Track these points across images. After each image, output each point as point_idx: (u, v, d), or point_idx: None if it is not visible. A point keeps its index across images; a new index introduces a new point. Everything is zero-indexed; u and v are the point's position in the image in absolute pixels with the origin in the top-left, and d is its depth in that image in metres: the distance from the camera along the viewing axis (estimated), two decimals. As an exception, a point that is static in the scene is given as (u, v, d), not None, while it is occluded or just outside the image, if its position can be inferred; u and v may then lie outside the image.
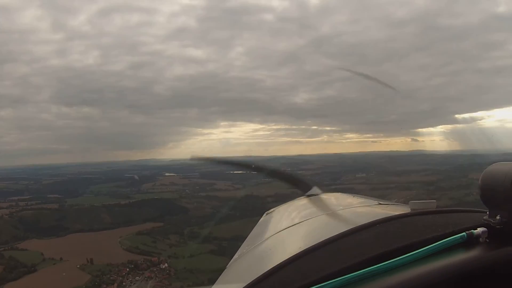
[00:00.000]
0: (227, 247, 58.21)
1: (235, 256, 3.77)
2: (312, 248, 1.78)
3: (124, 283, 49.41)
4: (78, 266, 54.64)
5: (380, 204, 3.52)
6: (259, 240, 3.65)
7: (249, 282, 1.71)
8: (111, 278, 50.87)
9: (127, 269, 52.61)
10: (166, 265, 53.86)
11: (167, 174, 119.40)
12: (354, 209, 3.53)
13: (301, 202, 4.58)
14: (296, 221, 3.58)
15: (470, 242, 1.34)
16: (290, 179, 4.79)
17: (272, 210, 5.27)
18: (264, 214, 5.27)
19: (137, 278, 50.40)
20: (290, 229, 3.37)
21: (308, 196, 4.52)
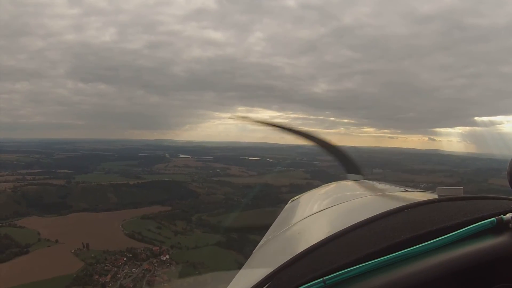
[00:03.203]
0: (237, 240, 51.58)
1: (261, 242, 3.60)
2: (341, 233, 1.71)
3: (118, 275, 42.89)
4: (73, 250, 48.47)
5: (407, 190, 3.41)
6: (285, 226, 3.53)
7: (276, 267, 1.69)
8: (106, 268, 44.38)
9: (124, 259, 46.01)
10: (167, 256, 47.13)
11: (181, 155, 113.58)
12: (381, 195, 3.46)
13: (327, 189, 4.65)
14: (323, 207, 3.47)
15: (499, 228, 1.28)
16: (346, 159, 4.68)
17: (297, 197, 5.15)
18: (290, 201, 5.14)
19: (133, 270, 44.10)
20: (317, 215, 3.30)
21: (334, 183, 4.94)
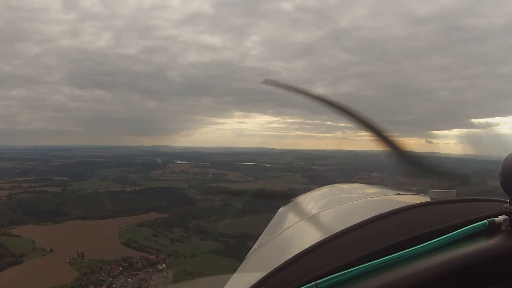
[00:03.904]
0: (234, 247, 50.45)
1: (254, 246, 3.55)
2: (333, 237, 1.74)
3: (114, 285, 41.72)
4: (67, 260, 47.19)
5: (399, 194, 3.38)
6: (278, 231, 3.48)
7: (269, 271, 1.71)
8: (101, 277, 43.18)
9: (120, 268, 44.81)
10: (164, 265, 45.97)
11: (178, 161, 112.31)
12: (374, 199, 3.46)
13: (319, 193, 4.52)
14: (315, 211, 3.44)
15: (491, 230, 1.31)
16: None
17: (290, 201, 4.93)
18: (282, 206, 4.99)
19: (129, 280, 42.82)
20: (309, 218, 3.27)
21: (326, 186, 4.75)
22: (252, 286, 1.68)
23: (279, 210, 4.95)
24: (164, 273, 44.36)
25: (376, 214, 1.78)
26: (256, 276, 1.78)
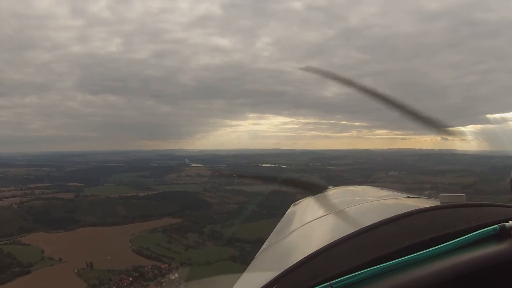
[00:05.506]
0: (251, 252, 46.74)
1: (264, 246, 3.54)
2: (346, 238, 1.70)
3: (122, 298, 38.45)
4: (76, 270, 44.46)
5: (409, 197, 3.42)
6: (287, 231, 3.53)
7: (279, 272, 1.68)
8: (109, 289, 39.89)
9: (130, 279, 41.94)
10: (176, 275, 42.57)
11: (193, 164, 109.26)
12: (383, 202, 3.48)
13: (329, 194, 4.43)
14: (324, 212, 3.43)
15: (502, 235, 1.29)
16: (304, 185, 3.87)
17: (299, 201, 5.09)
18: (292, 205, 5.14)
19: (139, 291, 39.60)
20: (318, 220, 3.29)
21: (336, 188, 4.80)
22: (264, 286, 1.62)
23: (289, 210, 4.91)
24: (177, 284, 41.14)
25: (387, 216, 1.71)
26: (267, 276, 1.70)
